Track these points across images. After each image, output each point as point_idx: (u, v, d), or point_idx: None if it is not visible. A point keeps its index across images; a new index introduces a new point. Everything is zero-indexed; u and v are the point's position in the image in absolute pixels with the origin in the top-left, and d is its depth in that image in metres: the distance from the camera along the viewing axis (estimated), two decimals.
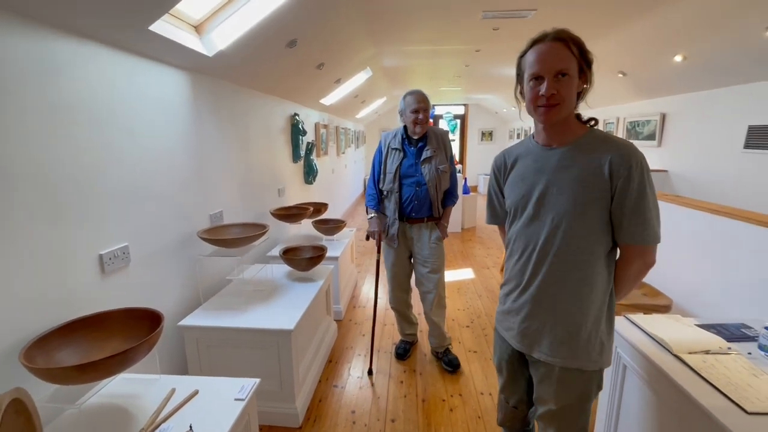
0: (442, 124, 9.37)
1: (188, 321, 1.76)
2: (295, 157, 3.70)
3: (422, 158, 2.14)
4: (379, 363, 2.39)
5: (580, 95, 1.00)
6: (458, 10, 2.79)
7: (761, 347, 1.18)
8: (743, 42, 2.60)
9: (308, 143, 4.04)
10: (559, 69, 0.92)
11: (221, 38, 1.95)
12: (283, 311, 1.87)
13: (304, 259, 2.26)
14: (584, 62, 0.96)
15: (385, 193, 2.23)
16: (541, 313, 1.05)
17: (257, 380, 1.34)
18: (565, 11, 2.77)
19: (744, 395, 0.98)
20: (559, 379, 1.04)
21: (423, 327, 2.85)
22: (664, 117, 4.17)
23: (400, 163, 2.16)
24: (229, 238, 1.90)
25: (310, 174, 4.10)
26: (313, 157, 4.17)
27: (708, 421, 0.96)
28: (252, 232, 2.01)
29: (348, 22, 2.74)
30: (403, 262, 2.31)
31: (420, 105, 2.09)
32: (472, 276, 3.89)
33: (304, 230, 3.42)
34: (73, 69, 1.29)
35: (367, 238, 2.35)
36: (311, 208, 3.03)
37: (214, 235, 1.96)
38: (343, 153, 6.53)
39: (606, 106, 5.36)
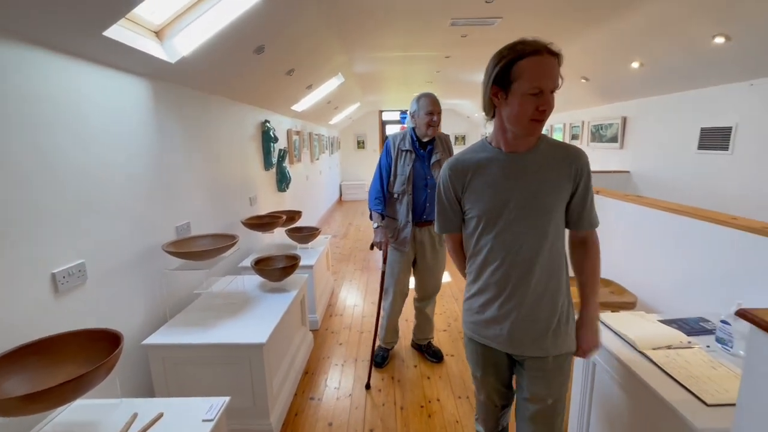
0: None
1: (153, 339, 1.67)
2: (267, 164, 3.63)
3: (432, 161, 2.16)
4: (356, 371, 2.36)
5: None
6: (427, 17, 2.83)
7: (718, 340, 1.24)
8: (693, 49, 2.75)
9: (280, 150, 3.98)
10: (556, 85, 0.95)
11: (184, 44, 1.88)
12: (255, 324, 1.81)
13: (276, 269, 2.21)
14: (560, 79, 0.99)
15: (396, 195, 2.18)
16: (532, 314, 1.06)
17: (227, 398, 1.29)
18: (530, 19, 2.86)
19: (704, 388, 1.02)
20: (551, 369, 1.09)
21: (402, 333, 2.85)
22: (625, 120, 4.36)
23: (413, 165, 2.14)
24: (196, 250, 1.83)
25: (283, 181, 4.03)
26: (286, 164, 4.10)
27: (671, 414, 0.99)
28: (221, 243, 1.94)
29: (316, 28, 2.72)
30: (408, 269, 2.29)
31: (435, 107, 2.08)
32: (449, 279, 3.92)
33: (277, 239, 3.35)
34: (19, 76, 1.21)
35: (372, 248, 2.29)
36: (284, 216, 2.97)
37: (181, 248, 1.89)
38: (318, 159, 6.47)
39: (571, 111, 5.56)
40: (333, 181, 8.70)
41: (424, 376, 2.30)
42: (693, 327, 1.35)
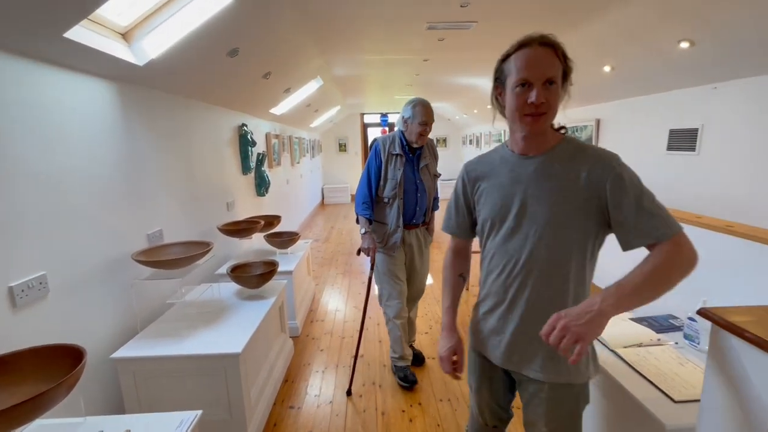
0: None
1: (122, 352, 1.61)
2: (245, 168, 3.56)
3: (421, 166, 2.16)
4: (337, 378, 2.33)
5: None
6: (404, 21, 2.84)
7: (686, 336, 1.27)
8: (661, 54, 2.85)
9: (259, 154, 3.92)
10: (548, 76, 0.87)
11: (152, 47, 1.83)
12: (231, 333, 1.77)
13: (253, 275, 2.17)
14: (568, 70, 0.92)
15: (386, 200, 2.14)
16: (529, 329, 0.97)
17: (198, 412, 1.24)
18: (504, 23, 2.90)
19: (672, 384, 1.05)
20: (548, 398, 0.98)
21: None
22: (599, 122, 4.48)
23: (404, 169, 2.12)
24: (168, 258, 1.77)
25: (262, 186, 3.97)
26: (265, 168, 4.05)
27: (641, 412, 1.01)
28: (195, 250, 1.89)
29: (292, 31, 2.69)
30: (404, 270, 2.25)
31: (429, 118, 2.06)
32: (430, 281, 3.93)
33: (256, 245, 3.29)
34: None
35: (359, 253, 2.20)
36: (262, 222, 2.92)
37: (152, 257, 1.83)
38: (298, 163, 6.40)
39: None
40: (315, 185, 8.63)
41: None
42: (662, 324, 1.39)
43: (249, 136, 3.56)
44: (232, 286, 2.32)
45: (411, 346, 2.48)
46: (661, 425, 0.94)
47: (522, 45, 0.91)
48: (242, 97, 3.27)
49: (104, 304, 1.68)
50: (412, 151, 2.15)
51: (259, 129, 4.16)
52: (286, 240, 3.03)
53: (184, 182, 2.43)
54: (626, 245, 0.88)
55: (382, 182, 2.14)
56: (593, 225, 0.91)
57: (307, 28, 2.81)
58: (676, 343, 1.27)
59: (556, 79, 0.88)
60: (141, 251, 1.82)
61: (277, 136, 4.86)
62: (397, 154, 2.12)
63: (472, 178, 1.09)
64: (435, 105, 9.02)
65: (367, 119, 10.03)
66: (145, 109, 2.05)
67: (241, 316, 1.95)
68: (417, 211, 2.17)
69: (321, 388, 2.23)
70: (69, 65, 1.54)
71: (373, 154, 2.18)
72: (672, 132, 3.31)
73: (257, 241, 3.37)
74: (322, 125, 8.46)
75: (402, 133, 2.15)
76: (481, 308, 1.10)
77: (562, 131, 1.00)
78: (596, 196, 0.89)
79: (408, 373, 2.23)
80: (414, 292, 2.36)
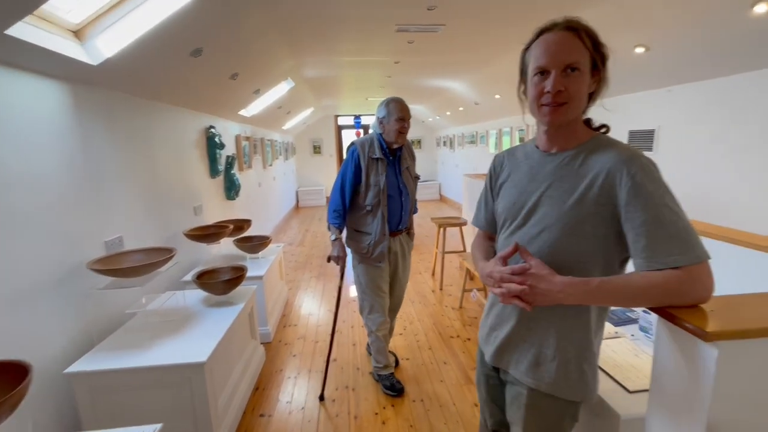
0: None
1: (77, 367, 1.52)
2: (213, 172, 3.47)
3: (402, 168, 2.08)
4: (310, 383, 2.30)
5: (593, 96, 0.86)
6: (373, 23, 2.85)
7: (641, 328, 1.33)
8: (619, 58, 2.97)
9: (228, 157, 3.83)
10: (568, 62, 0.79)
11: (108, 45, 1.75)
12: (196, 342, 1.71)
13: (221, 281, 2.11)
14: (599, 57, 0.83)
15: (369, 207, 2.01)
16: (521, 329, 0.93)
17: (158, 426, 1.19)
18: (473, 26, 2.96)
19: (627, 376, 1.09)
20: (528, 404, 0.93)
21: (357, 340, 2.82)
22: None
23: (386, 174, 2.00)
24: (127, 266, 1.70)
25: (231, 189, 3.87)
26: (235, 171, 3.95)
27: (599, 403, 1.05)
28: (157, 257, 1.81)
29: (259, 32, 2.65)
30: (387, 282, 2.15)
31: (406, 113, 1.98)
32: None
33: (225, 250, 3.20)
34: None
35: (329, 260, 2.11)
36: (231, 226, 2.85)
37: (110, 265, 1.74)
38: (271, 165, 6.30)
39: (519, 115, 5.83)
40: (288, 188, 8.51)
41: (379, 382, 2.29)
42: (620, 317, 1.45)
43: (217, 139, 3.47)
44: (199, 294, 2.24)
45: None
46: (616, 416, 0.98)
47: (543, 31, 0.83)
48: (209, 99, 3.19)
49: (57, 316, 1.58)
50: (392, 154, 2.06)
51: (228, 131, 4.06)
52: (256, 244, 2.96)
53: (146, 187, 2.34)
54: (636, 266, 0.76)
55: (363, 189, 2.02)
56: (611, 234, 0.80)
57: (275, 29, 2.77)
58: (633, 335, 1.33)
59: (579, 65, 0.79)
60: (97, 259, 1.74)
61: (247, 138, 4.76)
62: (377, 158, 2.00)
63: (497, 172, 1.03)
64: (409, 107, 9.12)
65: (342, 121, 9.99)
66: (103, 110, 1.96)
67: (208, 324, 1.89)
68: (402, 217, 2.09)
69: (293, 395, 2.19)
70: (14, 64, 1.45)
71: (349, 159, 2.03)
72: (632, 133, 3.46)
73: (227, 246, 3.28)
74: (296, 127, 8.36)
75: (380, 135, 2.04)
76: (487, 304, 1.07)
77: (602, 130, 0.90)
78: (610, 202, 0.78)
79: (395, 382, 2.19)
80: (395, 302, 2.29)
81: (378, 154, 2.01)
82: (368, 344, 2.57)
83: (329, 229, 2.10)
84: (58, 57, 1.53)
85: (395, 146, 2.05)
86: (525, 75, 0.89)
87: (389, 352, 2.47)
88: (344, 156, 2.16)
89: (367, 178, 2.00)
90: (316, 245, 5.61)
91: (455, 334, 2.84)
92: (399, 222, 2.10)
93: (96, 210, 1.86)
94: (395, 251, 2.14)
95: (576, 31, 0.81)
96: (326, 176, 9.99)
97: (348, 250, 2.12)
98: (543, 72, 0.82)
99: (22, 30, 1.34)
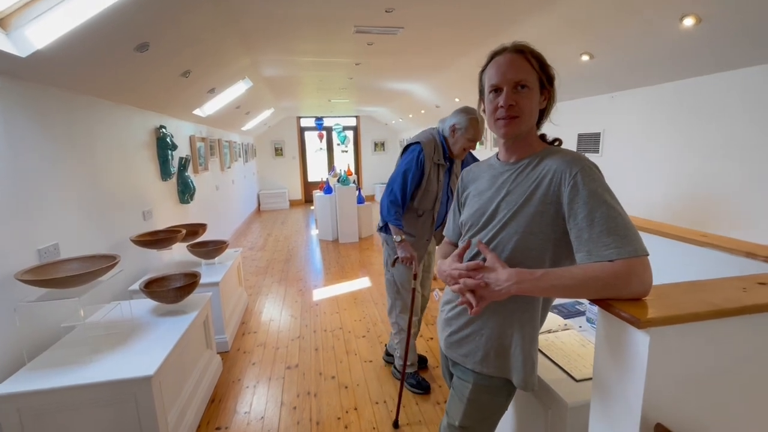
0: (333, 136, 9.48)
1: (3, 388, 1.38)
2: (165, 174, 3.29)
3: (452, 174, 2.07)
4: (269, 391, 2.22)
5: (544, 113, 0.96)
6: (331, 23, 2.82)
7: (588, 320, 1.40)
8: (566, 65, 3.14)
9: (181, 158, 3.65)
10: (517, 80, 0.88)
11: (38, 36, 1.61)
12: (143, 355, 1.60)
13: (171, 289, 1.99)
14: (545, 77, 0.92)
15: (420, 212, 2.00)
16: (471, 322, 0.99)
17: None
18: (431, 30, 3.01)
19: (574, 365, 1.14)
20: (455, 385, 1.02)
21: (320, 344, 2.77)
22: None
23: (445, 181, 2.01)
24: (61, 276, 1.56)
25: (186, 192, 3.69)
26: (189, 173, 3.77)
27: (549, 392, 1.08)
28: (97, 265, 1.68)
29: (209, 28, 2.54)
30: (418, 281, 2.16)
31: (480, 136, 1.93)
32: (369, 284, 3.93)
33: (179, 257, 3.04)
34: None
35: (393, 264, 2.05)
36: (184, 231, 2.71)
37: (42, 275, 1.60)
38: (229, 168, 6.08)
39: None
40: (249, 191, 8.25)
41: (342, 386, 2.26)
42: (569, 310, 1.51)
43: (168, 139, 3.30)
44: (148, 303, 2.11)
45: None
46: (564, 404, 1.02)
47: (495, 54, 0.93)
48: (158, 97, 3.02)
49: None
50: (450, 161, 2.03)
51: (181, 131, 3.87)
52: (212, 249, 2.84)
53: (87, 190, 2.17)
54: (578, 261, 0.81)
55: (420, 192, 1.98)
56: (558, 232, 0.87)
57: (226, 25, 2.67)
58: (581, 326, 1.39)
59: (528, 83, 0.88)
60: (28, 269, 1.59)
61: (203, 139, 4.56)
62: (440, 164, 1.97)
63: (463, 183, 1.11)
64: (370, 109, 9.16)
65: (304, 123, 9.84)
66: (32, 107, 1.80)
67: (157, 335, 1.78)
68: (445, 221, 2.13)
69: (252, 404, 2.11)
70: None
71: (415, 161, 1.94)
72: (580, 136, 3.66)
73: (181, 252, 3.12)
74: (256, 128, 8.13)
75: (444, 139, 1.97)
76: (443, 298, 1.12)
77: (556, 143, 0.99)
78: (556, 201, 0.86)
79: (420, 379, 2.20)
80: (424, 299, 2.33)
81: (441, 159, 1.97)
82: (386, 346, 2.52)
83: (382, 230, 2.05)
84: None
85: (454, 158, 2.01)
86: (483, 94, 0.97)
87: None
88: (402, 155, 2.05)
89: (428, 183, 1.97)
90: (278, 249, 5.47)
91: (419, 334, 2.86)
92: (438, 225, 2.12)
93: (27, 215, 1.70)
94: (430, 252, 2.20)
95: (523, 53, 0.90)
96: (289, 179, 9.80)
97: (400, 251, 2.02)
98: (497, 90, 0.91)
99: None
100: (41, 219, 1.79)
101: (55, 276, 1.58)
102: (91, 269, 1.60)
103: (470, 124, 1.88)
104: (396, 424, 1.93)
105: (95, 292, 1.82)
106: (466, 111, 1.91)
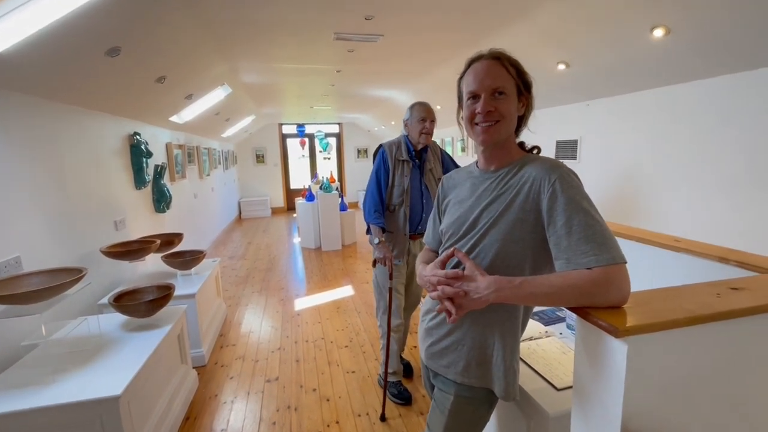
0: (315, 143, 9.43)
1: None
2: (139, 182, 3.18)
3: (425, 170, 2.11)
4: (248, 406, 2.15)
5: (522, 120, 0.96)
6: (311, 30, 2.80)
7: (569, 326, 1.40)
8: (544, 73, 3.20)
9: (157, 166, 3.54)
10: (495, 87, 0.88)
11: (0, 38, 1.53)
12: (111, 373, 1.52)
13: (143, 303, 1.91)
14: (522, 83, 0.92)
15: (392, 207, 2.09)
16: (452, 331, 0.97)
17: None
18: (411, 37, 3.02)
19: (555, 374, 1.13)
20: (453, 401, 0.97)
21: (301, 356, 2.71)
22: None
23: (410, 176, 2.07)
24: (22, 291, 1.47)
25: (161, 201, 3.58)
26: (165, 181, 3.66)
27: (530, 402, 1.07)
28: (61, 279, 1.60)
29: (183, 32, 2.48)
30: (403, 283, 2.19)
31: (428, 114, 2.04)
32: (352, 293, 3.88)
33: (153, 268, 2.94)
34: None
35: (374, 265, 2.13)
36: (159, 241, 2.61)
37: (0, 290, 1.50)
38: (208, 175, 5.95)
39: (455, 126, 6.06)
40: (230, 199, 8.10)
41: (323, 399, 2.20)
42: (550, 317, 1.51)
43: (143, 146, 3.20)
44: (118, 318, 2.01)
45: (400, 357, 2.34)
46: (546, 414, 1.01)
47: (473, 61, 0.93)
48: (132, 103, 2.93)
49: None
50: (418, 156, 2.13)
51: (156, 138, 3.76)
52: (188, 260, 2.75)
53: (53, 199, 2.07)
54: (557, 268, 0.81)
55: (389, 189, 2.10)
56: (538, 239, 0.86)
57: (201, 30, 2.62)
58: (561, 333, 1.39)
59: (506, 89, 0.88)
60: None
61: (180, 146, 4.45)
62: (404, 160, 2.09)
63: (444, 191, 1.10)
64: (352, 116, 9.16)
65: (286, 129, 9.75)
66: None
67: (126, 352, 1.69)
68: (423, 218, 2.12)
69: (229, 421, 2.03)
70: None
71: (380, 161, 2.12)
72: (558, 143, 3.73)
73: (155, 263, 3.01)
74: (237, 135, 8.00)
75: (406, 137, 2.13)
76: (423, 308, 1.10)
77: (534, 151, 0.99)
78: (536, 208, 0.85)
79: (402, 389, 2.18)
80: (412, 300, 2.31)
81: (404, 156, 2.09)
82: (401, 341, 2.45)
83: (368, 232, 2.13)
84: None
85: (420, 147, 2.11)
86: (461, 101, 0.97)
87: (402, 360, 2.37)
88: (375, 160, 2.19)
89: (393, 178, 2.09)
90: (259, 258, 5.36)
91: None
92: (419, 223, 2.12)
93: None
94: (414, 253, 2.17)
95: (500, 59, 0.90)
96: (271, 186, 9.67)
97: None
98: (474, 96, 0.91)
99: None
100: (1, 230, 1.69)
101: (15, 291, 1.49)
102: (54, 283, 1.51)
103: (414, 108, 2.07)
104: (383, 417, 2.02)
105: (61, 307, 1.73)
106: (409, 106, 2.11)
